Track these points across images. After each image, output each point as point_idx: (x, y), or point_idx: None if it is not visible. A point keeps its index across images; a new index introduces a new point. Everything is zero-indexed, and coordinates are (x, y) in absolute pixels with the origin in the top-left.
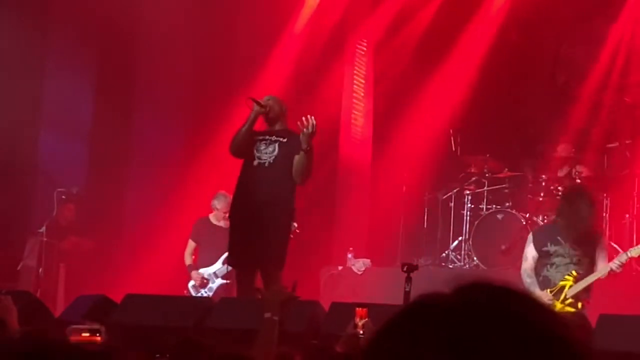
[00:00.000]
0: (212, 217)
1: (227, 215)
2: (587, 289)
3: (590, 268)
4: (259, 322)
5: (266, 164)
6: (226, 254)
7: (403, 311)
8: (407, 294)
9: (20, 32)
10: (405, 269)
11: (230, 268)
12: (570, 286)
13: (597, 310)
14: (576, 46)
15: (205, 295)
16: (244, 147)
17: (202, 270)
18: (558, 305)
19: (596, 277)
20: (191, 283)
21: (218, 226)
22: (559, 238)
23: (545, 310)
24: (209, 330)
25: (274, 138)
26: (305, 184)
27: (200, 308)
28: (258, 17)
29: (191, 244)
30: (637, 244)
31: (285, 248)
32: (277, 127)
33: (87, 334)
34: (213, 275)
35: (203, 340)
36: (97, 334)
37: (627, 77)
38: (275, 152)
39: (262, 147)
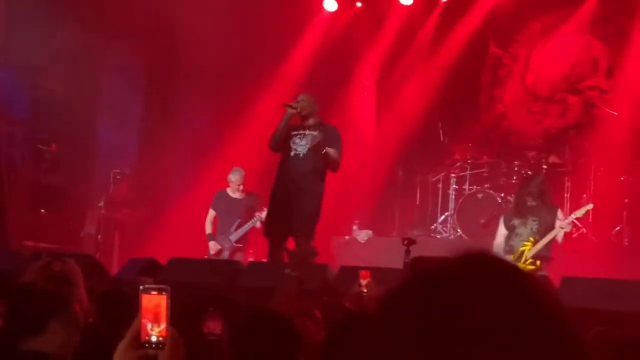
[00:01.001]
0: (229, 190)
1: (240, 187)
2: (547, 249)
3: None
4: (280, 279)
5: (300, 155)
6: (239, 221)
7: (410, 278)
8: (406, 264)
9: (81, 33)
10: (405, 242)
11: (241, 234)
12: (529, 249)
13: (560, 275)
14: (544, 53)
15: None
16: (281, 143)
17: (219, 238)
18: (520, 266)
19: (550, 238)
20: (210, 252)
21: (234, 198)
22: (522, 213)
23: (517, 271)
24: (239, 288)
25: (307, 132)
26: (337, 171)
27: (232, 269)
28: (282, 19)
29: (211, 213)
30: (591, 219)
31: (314, 224)
32: (310, 121)
33: (156, 292)
34: (228, 241)
35: (234, 295)
36: (164, 292)
37: (585, 80)
38: (308, 144)
39: (297, 140)
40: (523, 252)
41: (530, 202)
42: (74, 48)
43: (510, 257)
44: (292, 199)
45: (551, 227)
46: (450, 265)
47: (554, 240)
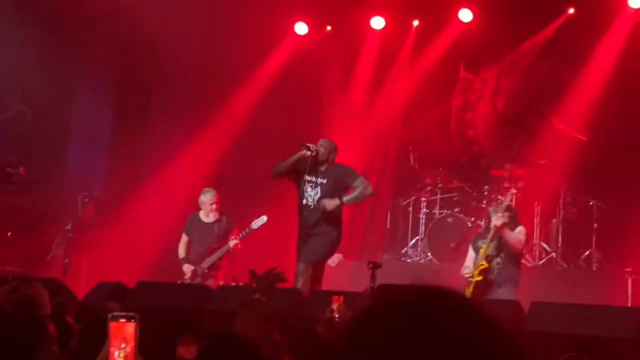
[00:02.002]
0: (201, 214)
1: (213, 206)
2: (514, 267)
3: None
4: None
5: (311, 206)
6: (212, 247)
7: (370, 308)
8: (372, 289)
9: (52, 57)
10: (370, 266)
11: (214, 260)
12: (482, 252)
13: (529, 299)
14: (514, 79)
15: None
16: (281, 177)
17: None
18: (475, 274)
19: (492, 232)
20: (185, 276)
21: (206, 222)
22: (487, 235)
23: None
24: (208, 312)
25: (318, 181)
26: (372, 196)
27: (201, 293)
28: (253, 40)
29: (184, 238)
30: (560, 243)
31: (320, 258)
32: (323, 168)
33: (124, 320)
34: (200, 268)
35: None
36: (133, 320)
37: (555, 105)
38: (318, 195)
39: (309, 189)
40: (482, 264)
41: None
42: (43, 69)
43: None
44: (308, 239)
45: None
46: (410, 299)
47: (519, 258)
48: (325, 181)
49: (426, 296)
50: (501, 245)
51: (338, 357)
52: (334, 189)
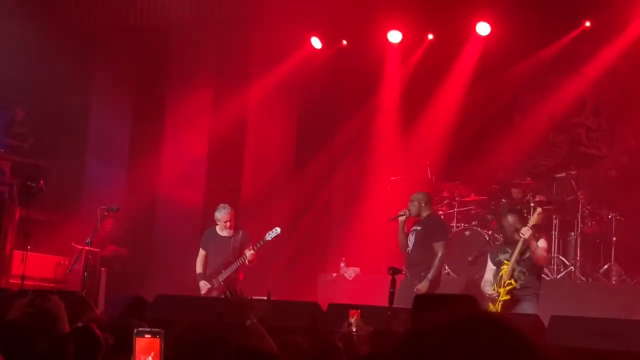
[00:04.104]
0: (217, 228)
1: (227, 224)
2: (534, 278)
3: (529, 259)
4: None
5: (410, 252)
6: (228, 259)
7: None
8: (391, 294)
9: (70, 74)
10: (390, 272)
11: (229, 273)
12: (506, 270)
13: (549, 313)
14: (529, 93)
15: None
16: (405, 247)
17: (209, 278)
18: (501, 291)
19: (518, 249)
20: (201, 292)
21: (222, 236)
22: (507, 248)
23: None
24: (228, 325)
25: (416, 228)
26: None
27: (221, 306)
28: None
29: (201, 252)
30: (579, 257)
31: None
32: (422, 216)
33: (149, 336)
34: (217, 281)
35: (223, 333)
36: (158, 336)
37: (571, 118)
38: (414, 240)
39: (410, 236)
40: (502, 276)
41: (516, 236)
42: (63, 89)
43: (494, 288)
44: (410, 287)
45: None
46: (453, 328)
47: (539, 271)
48: (419, 228)
49: (471, 321)
50: (524, 258)
51: None
52: (424, 237)
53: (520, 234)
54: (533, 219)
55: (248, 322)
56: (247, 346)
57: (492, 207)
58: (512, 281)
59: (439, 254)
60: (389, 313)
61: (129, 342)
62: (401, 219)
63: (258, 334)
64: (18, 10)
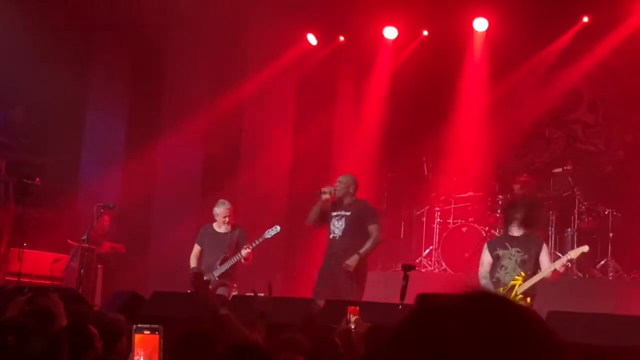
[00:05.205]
0: (215, 225)
1: (226, 219)
2: (533, 287)
3: (534, 268)
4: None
5: (337, 238)
6: (224, 256)
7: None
8: (403, 288)
9: (67, 71)
10: (403, 268)
11: (225, 269)
12: (520, 284)
13: (546, 309)
14: (528, 87)
15: None
16: (319, 222)
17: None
18: (506, 295)
19: (542, 276)
20: None
21: (219, 232)
22: (506, 244)
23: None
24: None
25: (342, 213)
26: (381, 243)
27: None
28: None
29: (196, 248)
30: (559, 247)
31: (354, 294)
32: (346, 201)
33: (148, 332)
34: (212, 276)
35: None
36: (157, 332)
37: (568, 115)
38: (343, 226)
39: (335, 222)
40: (514, 286)
41: (516, 232)
42: (60, 86)
43: (499, 290)
44: (335, 274)
45: (535, 259)
46: (456, 301)
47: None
48: (349, 214)
49: (478, 299)
50: (528, 266)
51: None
52: (357, 222)
53: (555, 267)
54: (575, 253)
55: (222, 312)
56: (244, 343)
57: (499, 201)
58: (529, 300)
59: (374, 235)
60: (400, 307)
61: (120, 339)
62: (325, 196)
63: (232, 325)
64: (13, 6)
